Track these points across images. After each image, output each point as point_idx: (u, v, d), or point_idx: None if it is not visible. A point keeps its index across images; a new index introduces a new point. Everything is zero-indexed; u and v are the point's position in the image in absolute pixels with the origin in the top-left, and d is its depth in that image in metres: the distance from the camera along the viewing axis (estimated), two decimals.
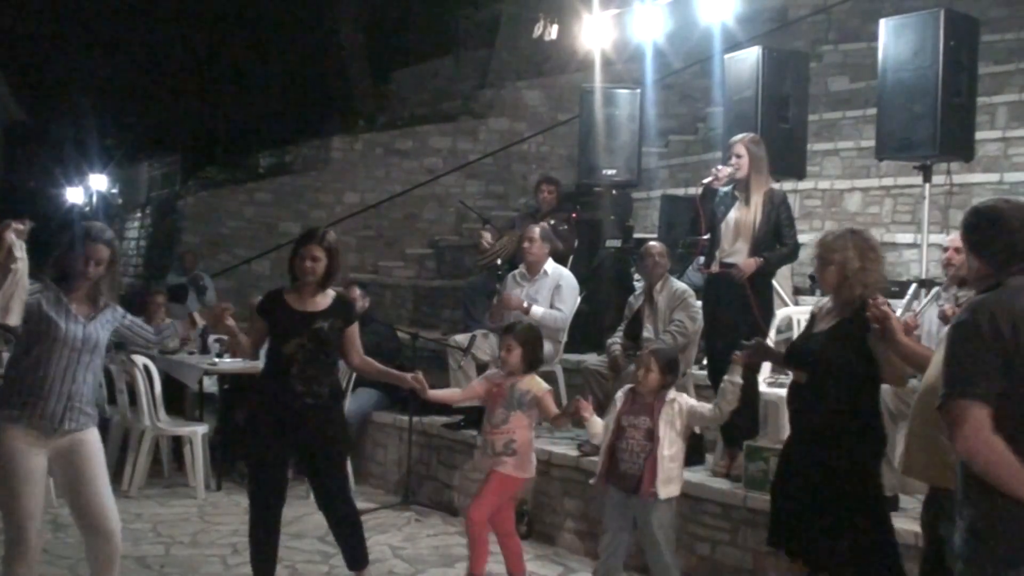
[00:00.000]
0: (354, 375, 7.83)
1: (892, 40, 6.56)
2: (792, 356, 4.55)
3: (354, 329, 5.32)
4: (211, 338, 8.81)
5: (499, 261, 8.20)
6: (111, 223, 18.07)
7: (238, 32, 21.47)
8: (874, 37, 6.87)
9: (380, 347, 8.47)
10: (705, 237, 6.26)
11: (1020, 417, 2.77)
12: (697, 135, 12.59)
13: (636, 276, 7.98)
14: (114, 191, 20.75)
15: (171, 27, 21.87)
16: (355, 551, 5.28)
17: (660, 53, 11.03)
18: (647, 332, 6.89)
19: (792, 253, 6.23)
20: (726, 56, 7.74)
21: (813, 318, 4.61)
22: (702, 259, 6.58)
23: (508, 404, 5.36)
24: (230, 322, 5.13)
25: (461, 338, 7.50)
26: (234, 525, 6.79)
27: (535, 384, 5.40)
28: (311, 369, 5.07)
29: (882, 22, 6.70)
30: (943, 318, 5.17)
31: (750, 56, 7.31)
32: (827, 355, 4.27)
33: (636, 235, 8.79)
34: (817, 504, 4.25)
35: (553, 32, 11.06)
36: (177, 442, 8.09)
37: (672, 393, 5.02)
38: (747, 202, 6.08)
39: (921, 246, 6.57)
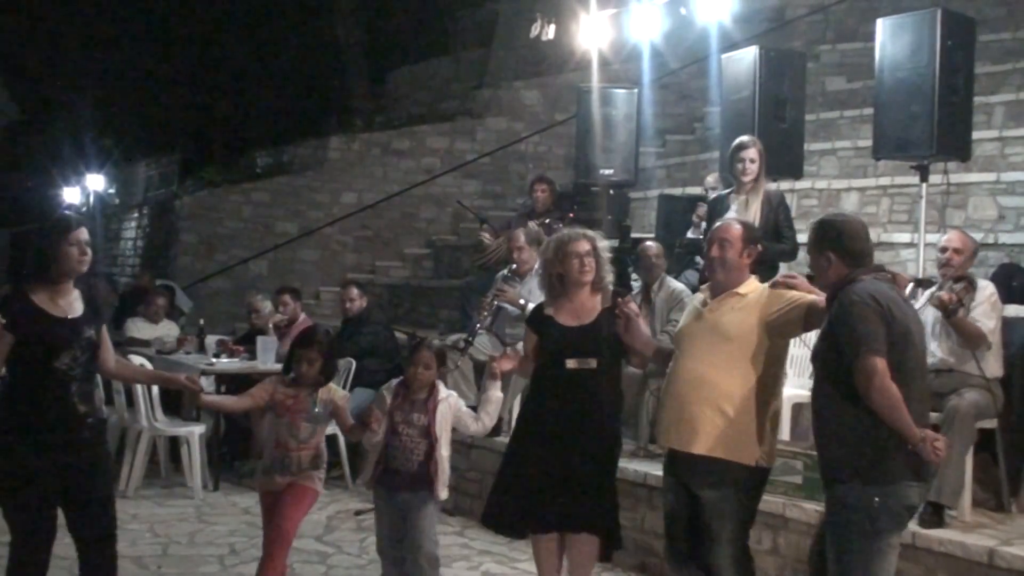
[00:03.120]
0: (352, 374, 7.84)
1: (889, 40, 6.55)
2: (569, 349, 4.81)
3: (104, 329, 4.57)
4: (208, 338, 8.82)
5: (523, 266, 7.90)
6: (108, 223, 18.09)
7: (236, 32, 21.45)
8: (871, 37, 6.85)
9: (377, 347, 8.49)
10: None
11: (895, 366, 3.74)
12: (694, 135, 12.60)
13: (633, 276, 7.97)
14: (111, 191, 20.69)
15: (169, 27, 21.85)
16: None
17: (657, 53, 11.04)
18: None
19: (792, 252, 6.22)
20: (723, 56, 7.74)
21: (546, 318, 4.89)
22: (701, 259, 6.58)
23: (312, 417, 4.93)
24: None
25: (458, 338, 7.49)
26: (231, 525, 6.80)
27: (336, 393, 5.08)
28: (87, 384, 4.38)
29: (879, 22, 6.69)
30: (939, 304, 5.19)
31: (747, 56, 7.31)
32: (611, 344, 4.79)
33: (633, 235, 8.78)
34: (586, 471, 4.69)
35: (550, 32, 11.05)
36: (174, 442, 8.07)
37: (444, 391, 4.94)
38: (747, 204, 6.08)
39: (918, 245, 6.56)
